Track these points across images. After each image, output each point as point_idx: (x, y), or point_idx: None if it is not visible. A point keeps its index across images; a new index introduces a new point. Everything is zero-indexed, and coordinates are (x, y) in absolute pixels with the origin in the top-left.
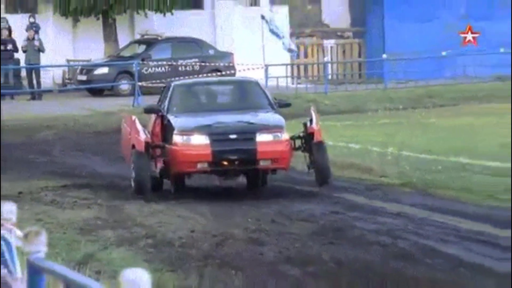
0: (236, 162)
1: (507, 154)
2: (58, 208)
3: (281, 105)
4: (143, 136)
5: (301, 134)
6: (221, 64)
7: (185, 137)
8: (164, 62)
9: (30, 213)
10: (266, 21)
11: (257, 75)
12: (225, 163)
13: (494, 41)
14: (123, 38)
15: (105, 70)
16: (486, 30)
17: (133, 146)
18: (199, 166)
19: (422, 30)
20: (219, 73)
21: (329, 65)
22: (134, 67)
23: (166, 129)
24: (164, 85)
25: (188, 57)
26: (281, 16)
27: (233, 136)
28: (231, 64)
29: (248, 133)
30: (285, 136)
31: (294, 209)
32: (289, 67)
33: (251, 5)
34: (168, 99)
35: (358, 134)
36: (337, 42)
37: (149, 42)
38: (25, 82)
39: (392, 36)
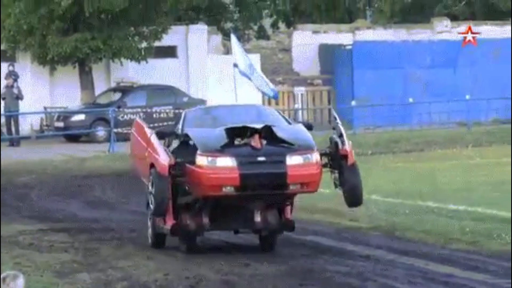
0: (265, 187)
1: (471, 197)
2: (35, 252)
3: (304, 125)
4: (166, 159)
5: (328, 151)
6: None
7: (210, 159)
8: (139, 109)
9: (8, 257)
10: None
11: None
12: (253, 187)
13: (460, 88)
14: (99, 86)
15: (81, 117)
16: (451, 79)
17: (152, 165)
18: (224, 190)
19: (389, 78)
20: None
21: (300, 111)
22: (110, 114)
23: (184, 149)
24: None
25: (163, 104)
26: (254, 63)
27: (261, 159)
28: None
29: (278, 155)
30: (316, 157)
31: (265, 251)
32: None
33: (224, 53)
34: (182, 120)
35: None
36: (307, 89)
37: (125, 90)
38: (4, 129)
39: (360, 84)
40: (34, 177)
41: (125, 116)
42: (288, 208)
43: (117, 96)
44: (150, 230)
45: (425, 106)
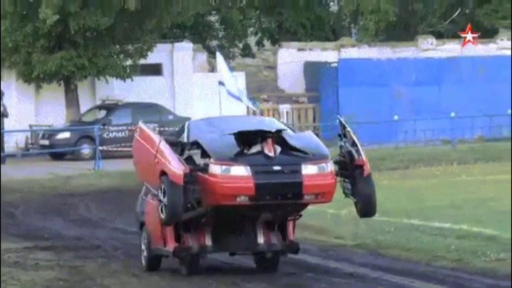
0: (280, 197)
1: (456, 215)
2: (21, 270)
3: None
4: (180, 167)
5: (338, 159)
6: None
7: (224, 167)
8: (124, 127)
9: None
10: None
11: None
12: (268, 197)
13: (445, 105)
14: (84, 104)
15: (66, 135)
16: (436, 96)
17: (163, 173)
18: (238, 199)
19: (375, 95)
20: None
21: None
22: (95, 132)
23: (193, 158)
24: (126, 149)
25: (148, 122)
26: (239, 81)
27: (276, 168)
28: None
29: (293, 164)
30: (331, 166)
31: (249, 269)
32: None
33: (209, 71)
34: (187, 130)
35: None
36: (293, 107)
37: (110, 108)
38: None
39: (345, 101)
40: (19, 195)
41: (110, 134)
42: (291, 229)
43: (102, 114)
44: (144, 253)
45: (410, 123)
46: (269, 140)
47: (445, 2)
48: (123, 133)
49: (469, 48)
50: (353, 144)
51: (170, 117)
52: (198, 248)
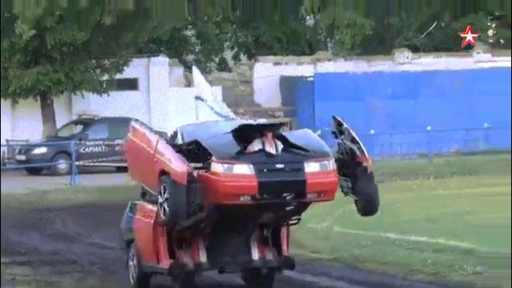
0: (283, 195)
1: (432, 229)
2: None
3: None
4: (183, 166)
5: (338, 157)
6: None
7: (226, 166)
8: (101, 142)
9: None
10: (202, 101)
11: None
12: (271, 196)
13: (421, 119)
14: (61, 119)
15: (43, 150)
16: (412, 110)
17: (163, 172)
18: (241, 198)
19: (351, 109)
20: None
21: None
22: (71, 147)
23: (192, 157)
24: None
25: (124, 136)
26: (216, 96)
27: (279, 166)
28: None
29: (295, 162)
30: (333, 164)
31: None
32: None
33: (186, 86)
34: (181, 134)
35: None
36: (269, 121)
37: (86, 122)
38: None
39: (322, 115)
40: None
41: (87, 149)
42: (286, 244)
43: (78, 128)
44: (133, 271)
45: (387, 137)
46: (269, 135)
47: (421, 15)
48: (99, 148)
49: (444, 61)
50: (353, 141)
51: None
52: (194, 265)
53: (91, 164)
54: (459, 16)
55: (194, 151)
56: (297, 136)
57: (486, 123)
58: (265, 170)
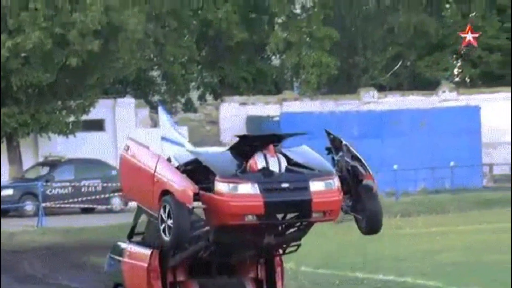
0: (289, 215)
1: (400, 268)
2: None
3: None
4: (189, 186)
5: (338, 174)
6: None
7: (231, 185)
8: (67, 183)
9: None
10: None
11: None
12: (277, 216)
13: (388, 158)
14: (27, 160)
15: (9, 191)
16: (378, 149)
17: (165, 192)
18: (246, 219)
19: (317, 149)
20: (121, 193)
21: None
22: (38, 189)
23: (194, 174)
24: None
25: (91, 178)
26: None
27: (285, 185)
28: None
29: (301, 181)
30: (337, 183)
31: None
32: None
33: (152, 126)
34: (174, 159)
35: None
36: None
37: (53, 164)
38: None
39: None
40: None
41: (53, 191)
42: (280, 283)
43: (45, 170)
44: None
45: None
46: (271, 147)
47: (386, 54)
48: (66, 190)
49: (410, 100)
50: (354, 158)
51: (113, 172)
52: None
53: (58, 205)
54: (424, 54)
55: (193, 172)
56: (298, 153)
57: (452, 162)
58: (270, 189)
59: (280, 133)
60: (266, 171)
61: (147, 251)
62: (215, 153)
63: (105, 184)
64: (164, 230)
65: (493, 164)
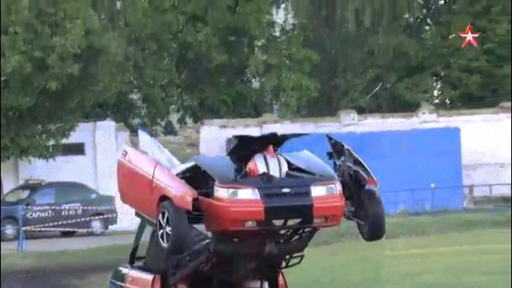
0: (290, 221)
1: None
2: None
3: None
4: (188, 191)
5: (340, 179)
6: (103, 207)
7: (231, 191)
8: (48, 207)
9: None
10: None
11: (138, 218)
12: (278, 221)
13: None
14: (7, 184)
15: None
16: None
17: (164, 197)
18: (247, 225)
19: None
20: (101, 217)
21: None
22: (18, 212)
23: (193, 180)
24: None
25: (71, 201)
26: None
27: (286, 190)
28: (112, 208)
29: (302, 186)
30: (339, 188)
31: None
32: None
33: None
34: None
35: None
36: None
37: (33, 188)
38: None
39: None
40: None
41: (34, 214)
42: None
43: (25, 194)
44: None
45: None
46: (270, 148)
47: (366, 76)
48: (46, 213)
49: (390, 122)
50: (356, 163)
51: (93, 196)
52: None
53: (38, 229)
54: (404, 76)
55: (191, 178)
56: (299, 158)
57: (432, 183)
58: (271, 194)
59: (280, 134)
60: (266, 175)
61: (149, 276)
62: (214, 158)
63: (85, 208)
64: (162, 236)
65: (473, 186)
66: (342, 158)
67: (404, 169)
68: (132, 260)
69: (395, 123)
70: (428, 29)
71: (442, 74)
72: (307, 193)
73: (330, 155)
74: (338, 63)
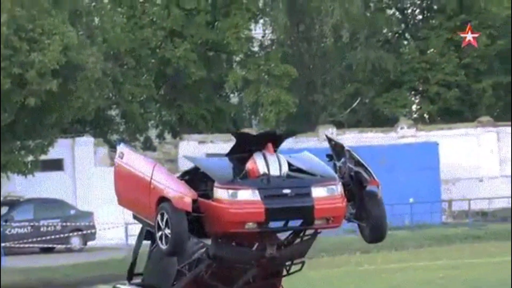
0: (291, 222)
1: None
2: None
3: None
4: (188, 192)
5: (341, 181)
6: (82, 223)
7: (230, 192)
8: (27, 223)
9: None
10: None
11: (117, 234)
12: (278, 223)
13: None
14: None
15: None
16: None
17: (162, 199)
18: (247, 226)
19: None
20: (80, 233)
21: None
22: None
23: (193, 181)
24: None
25: (50, 217)
26: None
27: (286, 191)
28: (91, 224)
29: (302, 187)
30: (340, 189)
31: None
32: None
33: (111, 165)
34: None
35: None
36: None
37: (12, 204)
38: None
39: None
40: None
41: (13, 230)
42: None
43: (4, 210)
44: None
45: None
46: (269, 145)
47: (345, 91)
48: (25, 229)
49: (369, 137)
50: (357, 163)
51: (72, 211)
52: None
53: (17, 245)
54: (382, 92)
55: (191, 180)
56: (299, 159)
57: (411, 198)
58: (271, 195)
59: (278, 132)
60: (266, 176)
61: None
62: (213, 159)
63: (64, 224)
64: (161, 238)
65: (452, 200)
66: (343, 160)
67: (383, 184)
68: (130, 276)
69: (374, 138)
70: (406, 44)
71: (420, 88)
72: (308, 194)
73: (329, 157)
74: (317, 78)
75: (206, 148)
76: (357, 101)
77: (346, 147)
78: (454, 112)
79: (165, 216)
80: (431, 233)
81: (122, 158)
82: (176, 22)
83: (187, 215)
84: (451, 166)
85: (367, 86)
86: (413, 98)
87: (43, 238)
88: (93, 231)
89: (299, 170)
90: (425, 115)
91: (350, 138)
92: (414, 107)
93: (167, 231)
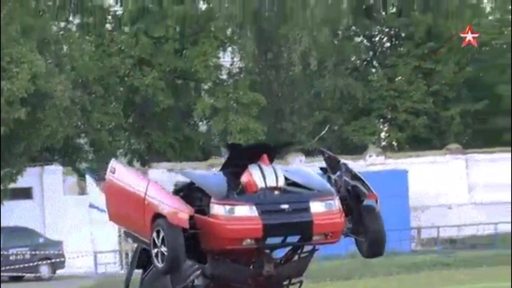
0: (289, 238)
1: None
2: None
3: None
4: (184, 209)
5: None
6: (51, 252)
7: (227, 208)
8: None
9: None
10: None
11: (86, 263)
12: (276, 239)
13: None
14: None
15: None
16: None
17: (157, 215)
18: (244, 243)
19: None
20: (49, 261)
21: None
22: None
23: (188, 197)
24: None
25: (19, 246)
26: None
27: (284, 206)
28: (60, 252)
29: (301, 202)
30: (338, 203)
31: None
32: (117, 254)
33: (80, 194)
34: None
35: None
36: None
37: None
38: None
39: None
40: None
41: None
42: None
43: None
44: None
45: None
46: (265, 157)
47: (313, 119)
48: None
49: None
50: (354, 177)
51: (41, 240)
52: None
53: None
54: (351, 120)
55: (186, 196)
56: (295, 173)
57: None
58: (269, 211)
59: (273, 143)
60: (264, 190)
61: None
62: (209, 174)
63: (33, 252)
64: (156, 256)
65: (421, 228)
66: (338, 173)
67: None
68: None
69: None
70: (374, 71)
71: (389, 116)
72: (307, 209)
73: (324, 170)
74: (285, 106)
75: (175, 176)
76: (326, 129)
77: (341, 161)
78: (422, 139)
79: (161, 233)
80: (400, 261)
81: (114, 173)
82: (145, 50)
83: (183, 231)
84: (420, 193)
85: (335, 114)
86: (381, 126)
87: (12, 266)
88: (62, 259)
89: (295, 184)
90: (393, 142)
91: (318, 166)
92: (382, 134)
93: (163, 248)
